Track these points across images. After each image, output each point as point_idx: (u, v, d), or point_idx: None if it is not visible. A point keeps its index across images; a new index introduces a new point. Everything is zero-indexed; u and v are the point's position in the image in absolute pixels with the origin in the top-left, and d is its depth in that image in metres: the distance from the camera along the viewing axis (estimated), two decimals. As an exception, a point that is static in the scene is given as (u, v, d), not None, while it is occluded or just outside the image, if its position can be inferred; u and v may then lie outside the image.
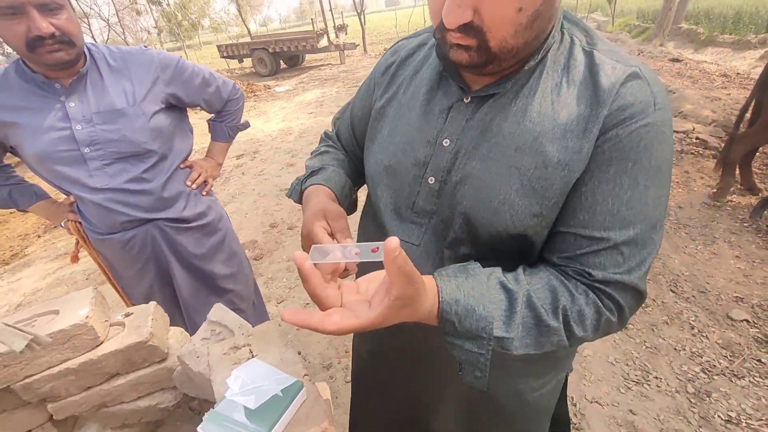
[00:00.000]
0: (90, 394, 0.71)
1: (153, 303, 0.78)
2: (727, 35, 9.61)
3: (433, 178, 0.59)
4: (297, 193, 0.74)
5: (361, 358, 0.84)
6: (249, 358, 0.53)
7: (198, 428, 0.41)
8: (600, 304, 0.50)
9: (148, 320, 0.73)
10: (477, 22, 0.46)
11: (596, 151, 0.49)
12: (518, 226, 0.53)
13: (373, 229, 0.72)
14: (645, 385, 1.76)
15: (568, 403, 1.72)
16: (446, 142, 0.58)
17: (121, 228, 1.14)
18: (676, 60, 7.49)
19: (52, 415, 0.73)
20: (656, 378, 1.79)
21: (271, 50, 11.24)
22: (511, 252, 0.57)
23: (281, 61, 12.15)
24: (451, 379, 0.71)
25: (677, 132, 4.11)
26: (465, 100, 0.58)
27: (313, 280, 0.41)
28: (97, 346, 0.69)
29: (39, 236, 4.08)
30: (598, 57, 0.52)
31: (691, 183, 3.28)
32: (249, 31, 14.64)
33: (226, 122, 1.41)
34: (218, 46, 12.66)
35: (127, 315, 0.76)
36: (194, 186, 1.25)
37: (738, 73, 6.37)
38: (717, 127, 4.13)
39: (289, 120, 6.68)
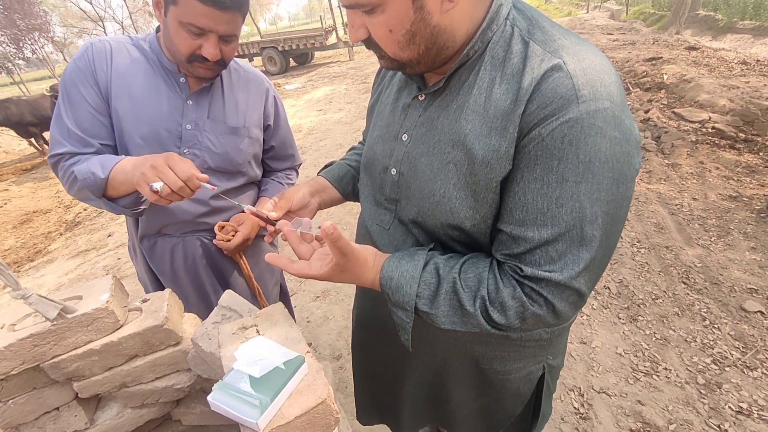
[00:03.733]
0: (111, 374, 0.76)
1: (168, 290, 0.83)
2: (747, 21, 9.30)
3: (395, 170, 0.66)
4: None
5: (355, 322, 0.95)
6: (256, 337, 0.56)
7: (208, 397, 0.45)
8: (525, 299, 0.52)
9: (163, 306, 0.78)
10: (373, 38, 0.54)
11: (523, 151, 0.50)
12: (456, 217, 0.57)
13: (361, 215, 0.82)
14: (654, 377, 1.76)
15: (575, 393, 1.73)
16: (405, 137, 0.64)
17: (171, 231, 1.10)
18: (692, 48, 7.28)
19: (77, 394, 0.78)
20: (666, 369, 1.78)
21: (280, 48, 11.32)
22: (460, 241, 0.62)
23: (291, 59, 12.23)
24: (418, 348, 0.78)
25: (692, 122, 4.02)
26: (420, 97, 0.63)
27: (291, 238, 0.59)
28: (118, 329, 0.74)
29: (61, 234, 4.24)
30: (531, 48, 0.51)
31: (706, 174, 3.22)
32: (259, 30, 14.73)
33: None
34: (229, 46, 12.77)
35: (145, 301, 0.81)
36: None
37: (758, 60, 6.16)
38: (734, 117, 4.03)
39: (299, 117, 6.74)
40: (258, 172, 1.20)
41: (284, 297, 1.52)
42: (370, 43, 0.55)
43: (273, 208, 0.71)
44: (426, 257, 0.59)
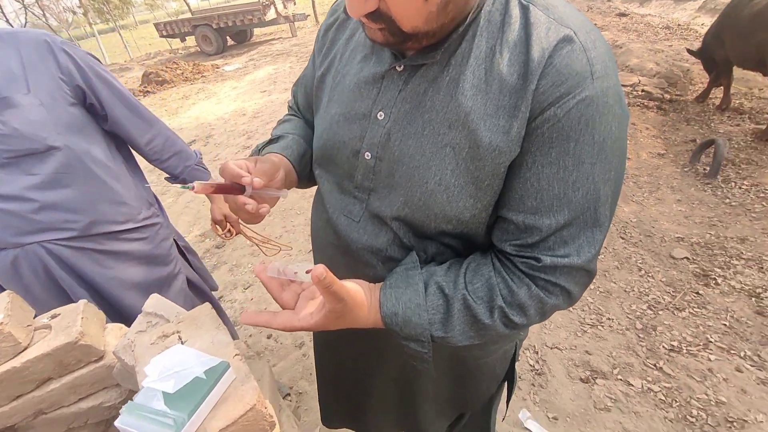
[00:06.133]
0: (21, 403, 0.67)
1: (83, 301, 0.73)
2: (669, -13, 9.88)
3: (369, 154, 0.56)
4: None
5: None
6: (178, 345, 0.50)
7: (116, 423, 0.39)
8: (542, 295, 0.50)
9: (77, 319, 0.69)
10: (384, 9, 0.43)
11: (536, 132, 0.45)
12: (454, 207, 0.51)
13: (319, 204, 0.70)
14: (599, 327, 1.89)
15: (530, 351, 1.82)
16: (380, 115, 0.54)
17: None
18: (622, 14, 7.67)
19: (-16, 430, 0.68)
20: (609, 319, 1.92)
21: (215, 26, 10.51)
22: (452, 234, 0.56)
23: (227, 37, 11.42)
24: (388, 343, 0.72)
25: (624, 86, 4.26)
26: (398, 68, 0.53)
27: (269, 286, 0.51)
28: (20, 352, 0.65)
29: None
30: (533, 14, 0.45)
31: (638, 134, 3.43)
32: (189, 6, 13.55)
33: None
34: (156, 25, 11.70)
35: (54, 317, 0.71)
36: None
37: (679, 25, 6.61)
38: (660, 79, 4.31)
39: (242, 100, 6.36)
40: (86, 145, 1.00)
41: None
42: (377, 15, 0.44)
43: (249, 172, 0.54)
44: (423, 277, 0.53)
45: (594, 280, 2.17)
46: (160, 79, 8.31)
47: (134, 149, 1.15)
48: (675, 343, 1.76)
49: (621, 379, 1.64)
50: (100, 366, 0.70)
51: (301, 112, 0.81)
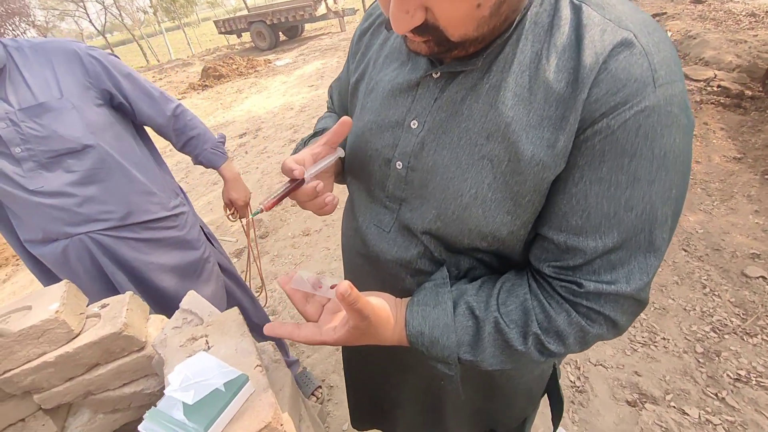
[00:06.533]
0: (73, 384, 0.73)
1: (129, 293, 0.78)
2: (758, -32, 8.78)
3: (401, 163, 0.54)
4: None
5: None
6: (205, 349, 0.52)
7: (139, 427, 0.40)
8: (583, 323, 0.45)
9: (122, 311, 0.73)
10: (432, 20, 0.40)
11: (585, 145, 0.41)
12: (491, 223, 0.48)
13: (349, 212, 0.69)
14: (651, 347, 1.74)
15: (571, 366, 1.72)
16: (414, 124, 0.52)
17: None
18: (697, 1, 6.93)
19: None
20: (663, 339, 1.76)
21: (268, 22, 10.89)
22: (487, 251, 0.52)
23: (280, 33, 11.79)
24: (418, 357, 0.71)
25: (697, 81, 3.85)
26: (434, 74, 0.50)
27: (294, 298, 0.50)
28: (73, 338, 0.70)
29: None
30: (587, 14, 0.41)
31: (710, 135, 3.10)
32: (246, 4, 14.14)
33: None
34: (215, 22, 12.34)
35: (104, 306, 0.76)
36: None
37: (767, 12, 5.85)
38: (741, 73, 3.85)
39: (291, 95, 6.55)
40: (115, 142, 1.09)
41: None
42: (424, 28, 0.41)
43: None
44: (453, 296, 0.51)
45: (649, 296, 2.00)
46: (218, 74, 8.77)
47: (161, 134, 1.24)
48: (742, 373, 1.58)
49: (674, 407, 1.50)
50: (142, 356, 0.75)
51: (337, 112, 0.81)
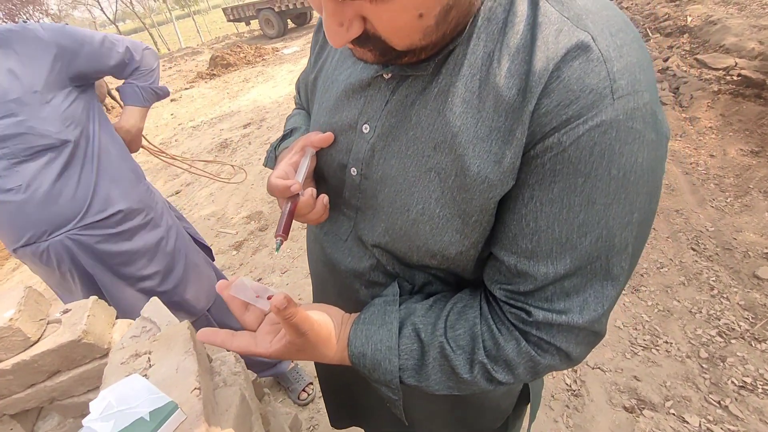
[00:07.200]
0: (35, 390, 0.71)
1: (93, 297, 0.76)
2: (789, -52, 8.28)
3: (355, 170, 0.50)
4: (272, 161, 0.67)
5: None
6: (146, 368, 0.49)
7: (54, 458, 0.38)
8: (533, 353, 0.41)
9: (83, 317, 0.71)
10: (372, 30, 0.35)
11: (534, 162, 0.37)
12: (438, 242, 0.44)
13: None
14: (653, 350, 1.68)
15: (569, 369, 1.67)
16: (365, 128, 0.48)
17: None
18: (723, -16, 6.58)
19: (7, 409, 0.74)
20: (666, 343, 1.70)
21: (276, 9, 10.76)
22: (438, 268, 0.48)
23: (289, 20, 11.65)
24: None
25: (716, 70, 3.67)
26: (385, 75, 0.45)
27: (232, 305, 0.47)
28: (30, 346, 0.68)
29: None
30: (543, 10, 0.36)
31: (726, 128, 2.96)
32: (254, -10, 14.00)
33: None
34: (224, 10, 12.26)
35: (66, 311, 0.74)
36: None
37: (797, -6, 5.53)
38: (764, 61, 3.65)
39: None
40: (88, 133, 1.05)
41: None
42: (365, 39, 0.37)
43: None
44: (400, 315, 0.48)
45: (653, 297, 1.93)
46: (225, 62, 8.73)
47: (117, 76, 1.18)
48: (748, 380, 1.51)
49: (674, 414, 1.45)
50: (104, 363, 0.73)
51: (305, 108, 0.77)
